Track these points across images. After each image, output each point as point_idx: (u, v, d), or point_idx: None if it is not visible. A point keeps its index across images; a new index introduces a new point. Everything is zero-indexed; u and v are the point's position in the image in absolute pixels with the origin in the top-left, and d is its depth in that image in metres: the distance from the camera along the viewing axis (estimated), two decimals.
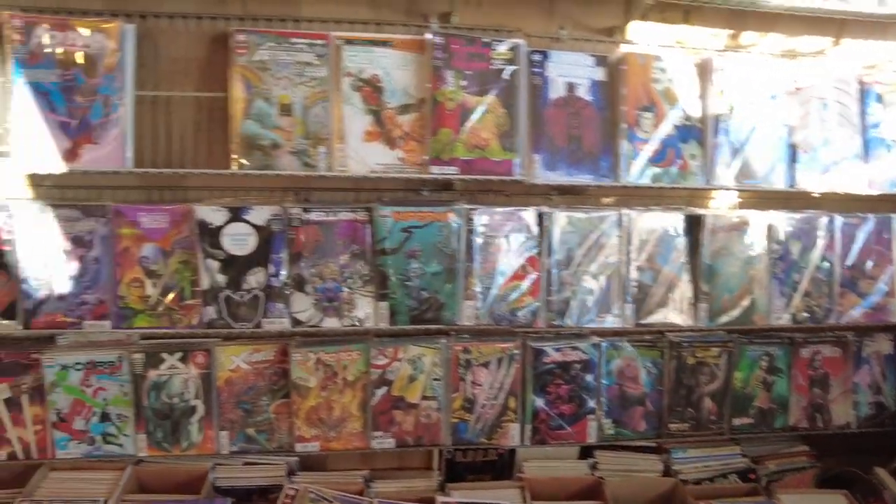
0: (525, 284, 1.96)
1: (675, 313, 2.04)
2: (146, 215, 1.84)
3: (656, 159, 1.94)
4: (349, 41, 1.80)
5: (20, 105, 1.67)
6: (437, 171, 1.81)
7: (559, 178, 1.89)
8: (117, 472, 1.97)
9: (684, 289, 2.04)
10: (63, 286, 1.82)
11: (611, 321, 2.00)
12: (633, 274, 1.99)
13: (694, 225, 2.03)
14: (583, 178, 1.91)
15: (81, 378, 1.89)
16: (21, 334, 1.84)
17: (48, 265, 1.82)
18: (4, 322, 1.81)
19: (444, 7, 1.95)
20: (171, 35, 1.87)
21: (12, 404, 1.89)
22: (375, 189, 2.05)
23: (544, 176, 1.87)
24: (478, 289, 1.92)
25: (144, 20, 1.82)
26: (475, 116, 1.83)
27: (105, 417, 1.92)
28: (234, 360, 1.96)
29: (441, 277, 1.91)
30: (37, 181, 1.90)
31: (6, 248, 1.80)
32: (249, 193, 1.99)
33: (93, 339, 1.95)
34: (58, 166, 1.69)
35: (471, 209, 1.91)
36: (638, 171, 1.92)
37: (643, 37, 2.06)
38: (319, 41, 1.79)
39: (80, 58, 1.69)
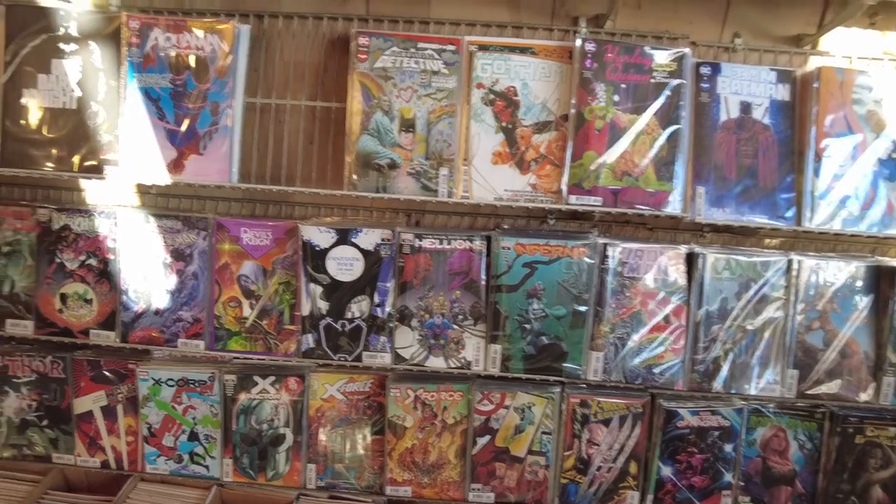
0: (667, 338, 1.68)
1: (849, 386, 1.71)
2: (248, 231, 1.73)
3: (851, 200, 1.61)
4: (483, 47, 1.61)
5: (131, 112, 1.61)
6: (575, 202, 1.57)
7: (727, 216, 1.60)
8: (203, 490, 1.93)
9: (864, 357, 1.71)
10: (160, 301, 1.77)
11: (767, 389, 1.70)
12: (801, 334, 1.69)
13: (882, 279, 1.71)
14: (757, 219, 1.61)
15: (173, 394, 1.84)
16: (117, 345, 1.80)
17: (148, 278, 1.77)
18: (104, 333, 1.78)
19: (598, 9, 1.71)
20: (286, 37, 1.74)
21: (108, 413, 1.88)
22: (494, 214, 1.84)
23: (708, 213, 1.57)
24: (609, 339, 1.68)
25: (260, 20, 1.71)
26: (628, 138, 1.60)
27: (194, 437, 1.86)
28: (328, 389, 1.84)
29: (565, 322, 1.68)
30: (143, 189, 1.87)
31: (110, 256, 1.76)
32: (358, 212, 1.86)
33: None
34: (162, 177, 1.62)
35: (607, 244, 1.66)
36: (827, 213, 1.60)
37: (841, 47, 1.73)
38: (450, 46, 1.60)
39: (192, 61, 1.61)
